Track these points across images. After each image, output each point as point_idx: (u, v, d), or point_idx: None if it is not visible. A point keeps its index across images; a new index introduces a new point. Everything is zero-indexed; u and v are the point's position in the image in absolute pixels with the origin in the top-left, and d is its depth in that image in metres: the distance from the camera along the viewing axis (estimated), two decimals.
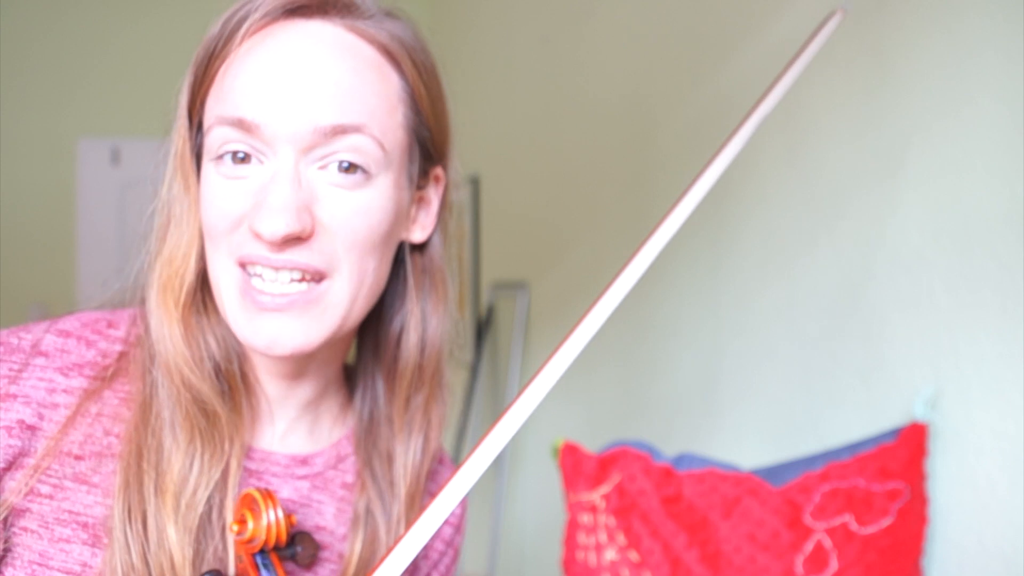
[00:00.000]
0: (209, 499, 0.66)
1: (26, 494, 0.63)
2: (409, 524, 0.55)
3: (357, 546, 0.74)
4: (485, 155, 2.99)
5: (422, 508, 0.56)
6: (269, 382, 0.72)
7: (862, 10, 1.19)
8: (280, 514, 0.63)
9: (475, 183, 3.06)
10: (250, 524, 0.63)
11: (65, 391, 0.66)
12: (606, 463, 1.05)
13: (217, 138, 0.64)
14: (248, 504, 0.64)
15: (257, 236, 0.62)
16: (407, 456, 0.76)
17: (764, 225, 1.42)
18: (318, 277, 0.64)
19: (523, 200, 2.64)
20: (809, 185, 1.31)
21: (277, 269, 0.63)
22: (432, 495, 0.56)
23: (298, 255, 0.63)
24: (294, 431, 0.75)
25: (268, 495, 0.64)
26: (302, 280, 0.64)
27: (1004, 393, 0.98)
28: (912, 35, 1.10)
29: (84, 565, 0.64)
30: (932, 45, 1.07)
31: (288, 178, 0.62)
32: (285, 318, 0.64)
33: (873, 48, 1.17)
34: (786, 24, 1.36)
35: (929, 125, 1.08)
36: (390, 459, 0.76)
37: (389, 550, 0.54)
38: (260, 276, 0.63)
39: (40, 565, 0.63)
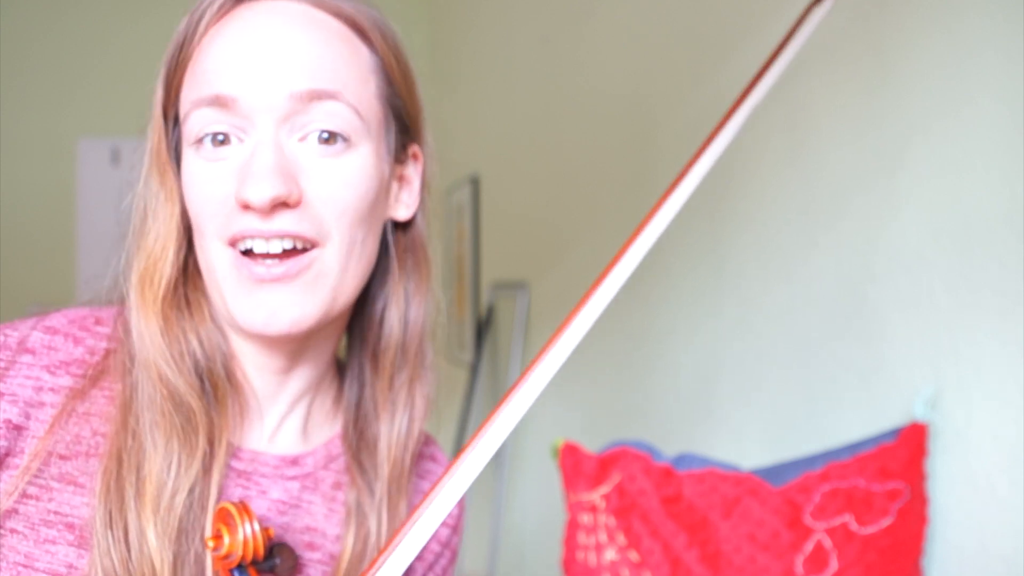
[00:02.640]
0: (191, 502, 0.65)
1: (11, 494, 0.63)
2: (403, 524, 0.55)
3: (349, 540, 0.73)
4: (485, 155, 2.99)
5: (414, 508, 0.55)
6: (259, 377, 0.72)
7: (863, 11, 1.19)
8: (256, 527, 0.62)
9: (475, 183, 3.06)
10: (226, 539, 0.62)
11: (52, 390, 0.65)
12: (606, 463, 1.05)
13: (196, 122, 0.64)
14: (224, 518, 0.63)
15: (245, 206, 0.62)
16: (391, 435, 0.75)
17: (765, 226, 1.42)
18: (309, 245, 0.64)
19: (523, 200, 2.64)
20: (810, 186, 1.31)
21: (268, 239, 0.63)
22: (426, 493, 0.56)
23: (288, 223, 0.63)
24: (284, 430, 0.74)
25: (244, 508, 0.63)
26: (293, 248, 0.64)
27: (1004, 393, 0.98)
28: (912, 35, 1.10)
29: (70, 567, 0.63)
30: (932, 45, 1.07)
31: (269, 145, 0.62)
32: (281, 291, 0.63)
33: (874, 48, 1.17)
34: (786, 24, 1.35)
35: (929, 125, 1.08)
36: (375, 442, 0.75)
37: (382, 551, 0.53)
38: (251, 249, 0.63)
39: (25, 567, 0.63)
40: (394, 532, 0.57)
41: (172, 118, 0.68)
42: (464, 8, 3.45)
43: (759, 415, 1.42)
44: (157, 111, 0.68)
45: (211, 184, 0.64)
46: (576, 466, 1.05)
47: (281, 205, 0.62)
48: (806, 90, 1.31)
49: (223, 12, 0.65)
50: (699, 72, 1.64)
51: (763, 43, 1.41)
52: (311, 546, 0.73)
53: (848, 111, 1.22)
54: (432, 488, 0.55)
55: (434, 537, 0.82)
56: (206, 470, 0.67)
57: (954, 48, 1.04)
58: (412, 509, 0.66)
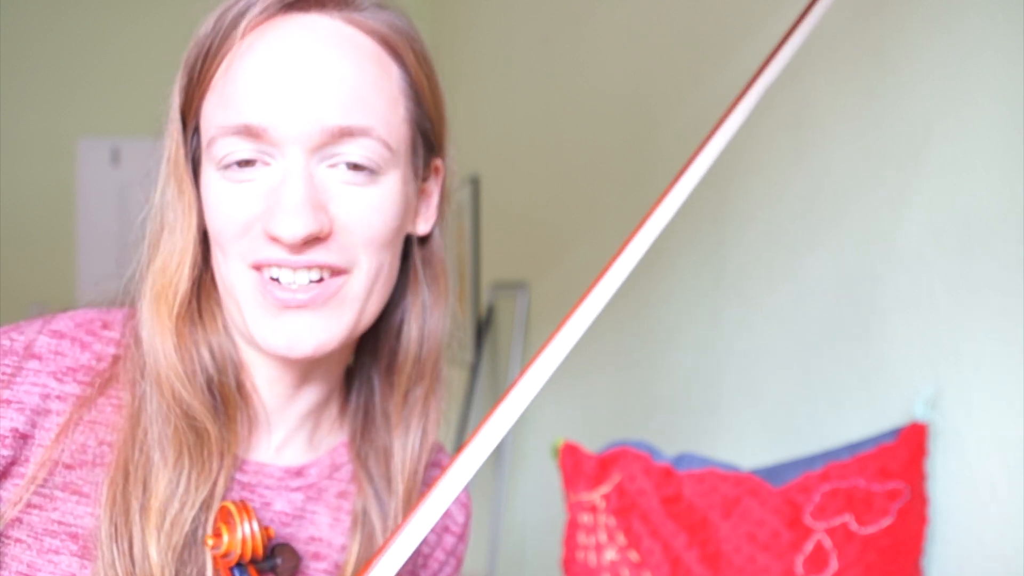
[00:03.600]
0: (195, 517, 0.64)
1: (16, 503, 0.62)
2: (405, 519, 0.54)
3: (355, 548, 0.72)
4: (485, 155, 2.99)
5: (412, 507, 0.55)
6: (270, 391, 0.71)
7: (864, 11, 1.19)
8: (256, 527, 0.62)
9: (475, 183, 3.06)
10: (225, 538, 0.62)
11: (59, 397, 0.64)
12: (606, 463, 1.05)
13: (222, 148, 0.62)
14: (223, 517, 0.63)
15: (275, 240, 0.61)
16: (405, 451, 0.74)
17: (766, 226, 1.42)
18: (336, 273, 0.63)
19: (523, 200, 2.64)
20: (811, 186, 1.31)
21: (295, 269, 0.62)
22: (423, 493, 0.56)
23: (318, 255, 0.62)
24: (292, 442, 0.73)
25: (244, 507, 0.62)
26: (320, 278, 0.63)
27: (1004, 393, 0.98)
28: (913, 36, 1.10)
29: None
30: (933, 46, 1.07)
31: (300, 177, 0.61)
32: (305, 316, 0.62)
33: (875, 49, 1.17)
34: (786, 24, 1.35)
35: (930, 125, 1.08)
36: (387, 455, 0.74)
37: (385, 543, 0.53)
38: (278, 278, 0.62)
39: None
40: (392, 531, 0.57)
41: (192, 126, 0.66)
42: (464, 8, 3.45)
43: (760, 415, 1.42)
44: (175, 116, 0.66)
45: (236, 207, 0.62)
46: (576, 466, 1.05)
47: (312, 240, 0.61)
48: (808, 90, 1.31)
49: (254, 25, 0.62)
50: (699, 72, 1.63)
51: (763, 43, 1.41)
52: (316, 556, 0.72)
53: (850, 111, 1.22)
54: (429, 488, 0.55)
55: (440, 546, 0.82)
56: (212, 485, 0.66)
57: (954, 48, 1.04)
58: (410, 509, 0.66)
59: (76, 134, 3.77)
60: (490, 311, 2.89)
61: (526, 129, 2.62)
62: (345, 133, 0.61)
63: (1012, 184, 0.96)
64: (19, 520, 0.62)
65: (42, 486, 0.63)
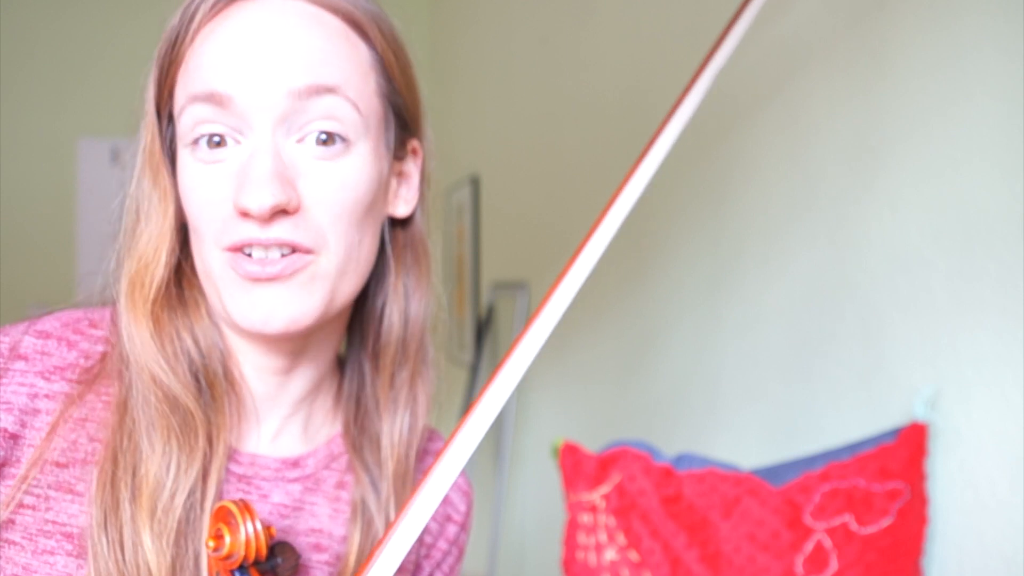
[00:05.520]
0: (189, 503, 0.64)
1: (8, 504, 0.61)
2: (402, 507, 0.54)
3: (356, 537, 0.72)
4: (485, 155, 2.99)
5: (414, 488, 0.55)
6: (259, 379, 0.70)
7: (862, 10, 1.19)
8: (258, 526, 0.61)
9: (475, 183, 3.06)
10: (227, 539, 0.60)
11: (47, 396, 0.64)
12: (606, 463, 1.05)
13: (190, 119, 0.63)
14: (224, 518, 0.61)
15: (244, 213, 0.61)
16: (393, 434, 0.74)
17: (764, 225, 1.42)
18: (304, 252, 0.63)
19: (523, 200, 2.64)
20: (809, 184, 1.31)
21: (267, 247, 0.62)
22: (418, 482, 0.56)
23: (285, 231, 0.62)
24: (287, 431, 0.73)
25: (245, 507, 0.61)
26: (291, 251, 0.63)
27: (1004, 393, 0.97)
28: (911, 34, 1.10)
29: None
30: (931, 44, 1.07)
31: (268, 151, 0.61)
32: (277, 289, 0.62)
33: (873, 47, 1.17)
34: (786, 24, 1.36)
35: (928, 124, 1.08)
36: (378, 441, 0.74)
37: (387, 532, 0.53)
38: (250, 253, 0.63)
39: None
40: (394, 518, 0.57)
41: (166, 116, 0.67)
42: (464, 8, 3.45)
43: (759, 415, 1.42)
44: (150, 109, 0.67)
45: (208, 188, 0.63)
46: (576, 466, 1.05)
47: (280, 212, 0.61)
48: (805, 90, 1.31)
49: (218, 9, 0.64)
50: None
51: (763, 43, 1.41)
52: (317, 547, 0.72)
53: (847, 110, 1.22)
54: (425, 474, 0.55)
55: (443, 535, 0.81)
56: (205, 471, 0.65)
57: (953, 46, 1.04)
58: (407, 499, 0.65)
59: (76, 134, 3.76)
60: (490, 311, 2.89)
61: (526, 129, 2.62)
62: (312, 92, 0.62)
63: (1012, 182, 0.96)
64: (12, 521, 0.62)
65: (34, 486, 0.62)
